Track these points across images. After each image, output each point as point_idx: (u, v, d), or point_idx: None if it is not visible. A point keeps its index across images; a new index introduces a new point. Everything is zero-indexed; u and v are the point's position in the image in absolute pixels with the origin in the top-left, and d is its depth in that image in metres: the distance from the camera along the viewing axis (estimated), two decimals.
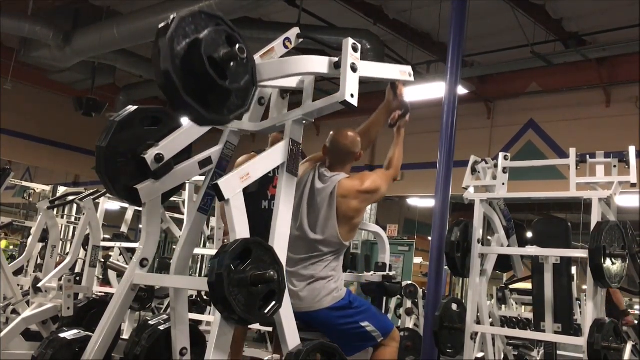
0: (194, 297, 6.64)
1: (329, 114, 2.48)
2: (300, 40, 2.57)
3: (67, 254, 5.95)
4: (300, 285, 2.78)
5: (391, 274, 3.74)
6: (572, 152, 4.16)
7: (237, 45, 2.01)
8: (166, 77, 1.89)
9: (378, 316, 2.99)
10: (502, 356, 4.88)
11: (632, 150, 3.98)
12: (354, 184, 2.87)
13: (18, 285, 5.04)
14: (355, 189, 2.86)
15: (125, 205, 6.90)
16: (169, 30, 1.91)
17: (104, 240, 5.78)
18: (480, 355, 4.34)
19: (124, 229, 6.99)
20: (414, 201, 14.06)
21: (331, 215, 2.83)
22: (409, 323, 6.86)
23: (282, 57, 2.50)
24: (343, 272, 3.01)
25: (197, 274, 8.59)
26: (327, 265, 2.84)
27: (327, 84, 5.10)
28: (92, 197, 4.95)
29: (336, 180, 2.88)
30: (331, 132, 3.02)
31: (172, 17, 1.94)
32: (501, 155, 4.36)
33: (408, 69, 2.62)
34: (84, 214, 5.07)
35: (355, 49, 2.31)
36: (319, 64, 2.32)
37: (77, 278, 5.05)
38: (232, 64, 2.01)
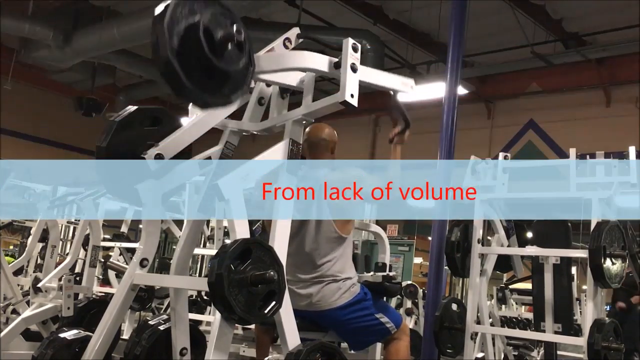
0: (194, 297, 6.63)
1: (328, 114, 2.49)
2: (300, 40, 2.58)
3: (67, 254, 5.95)
4: (315, 288, 2.79)
5: (391, 274, 3.74)
6: (572, 152, 4.16)
7: (235, 26, 2.00)
8: (165, 64, 1.87)
9: (389, 308, 3.03)
10: (502, 356, 4.88)
11: (632, 150, 3.98)
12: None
13: (18, 285, 5.04)
14: None
15: (125, 205, 6.90)
16: (167, 13, 1.88)
17: (104, 240, 5.78)
18: (480, 355, 4.34)
19: (124, 229, 6.99)
20: (414, 201, 14.04)
21: (323, 211, 2.83)
22: (409, 323, 6.86)
23: None
24: None
25: (197, 274, 8.59)
26: (338, 263, 2.84)
27: (327, 84, 5.09)
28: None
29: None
30: (306, 129, 2.98)
31: (168, 1, 1.93)
32: (501, 155, 4.36)
33: (411, 82, 2.49)
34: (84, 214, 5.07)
35: (355, 49, 2.31)
36: (319, 61, 2.32)
37: (77, 278, 5.05)
38: (229, 45, 1.99)
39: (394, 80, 2.46)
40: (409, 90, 2.47)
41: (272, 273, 2.07)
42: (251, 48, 2.12)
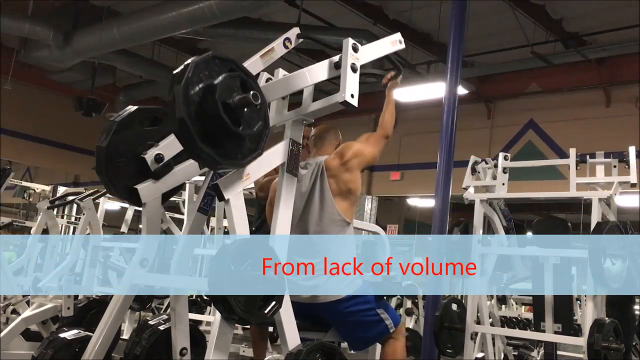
0: (194, 297, 6.63)
1: (329, 114, 2.49)
2: (300, 40, 2.58)
3: (67, 254, 5.95)
4: (319, 280, 2.78)
5: (391, 274, 3.74)
6: (572, 152, 4.16)
7: (252, 92, 2.05)
8: (181, 124, 1.93)
9: (389, 307, 3.02)
10: (502, 356, 4.88)
11: (632, 150, 3.99)
12: (336, 160, 2.92)
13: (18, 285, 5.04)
14: (339, 164, 2.90)
15: (125, 205, 6.90)
16: (184, 76, 1.93)
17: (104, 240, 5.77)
18: (480, 355, 4.34)
19: (124, 229, 6.98)
20: (414, 201, 14.06)
21: (326, 195, 2.84)
22: (409, 323, 6.85)
23: (281, 57, 2.51)
24: None
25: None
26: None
27: (327, 84, 5.10)
28: (92, 197, 4.95)
29: (321, 160, 2.92)
30: (314, 128, 3.14)
31: (186, 63, 1.98)
32: (501, 155, 4.37)
33: (397, 36, 2.70)
34: (84, 214, 5.07)
35: (355, 49, 2.32)
36: (321, 71, 2.35)
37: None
38: (246, 109, 2.06)
39: (385, 45, 2.64)
40: (401, 46, 2.69)
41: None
42: (267, 112, 2.19)
